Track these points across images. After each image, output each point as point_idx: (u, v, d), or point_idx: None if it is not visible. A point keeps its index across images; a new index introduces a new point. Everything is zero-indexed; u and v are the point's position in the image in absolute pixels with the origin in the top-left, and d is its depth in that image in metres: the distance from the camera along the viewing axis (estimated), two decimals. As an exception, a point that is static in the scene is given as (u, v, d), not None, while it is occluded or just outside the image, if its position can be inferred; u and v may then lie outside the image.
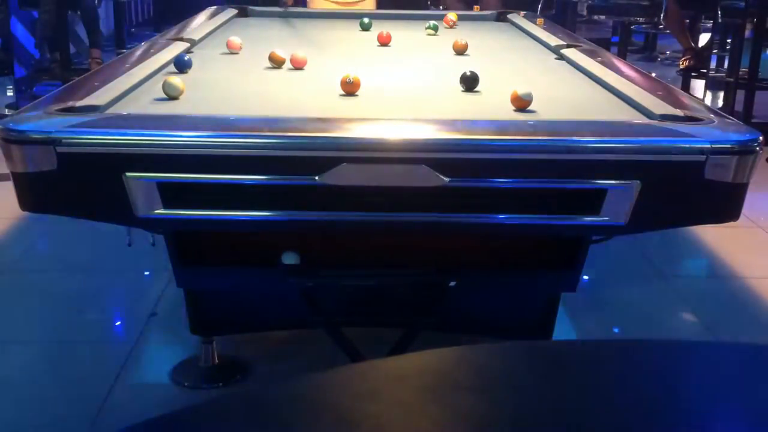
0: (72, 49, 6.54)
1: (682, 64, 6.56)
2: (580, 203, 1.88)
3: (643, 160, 1.84)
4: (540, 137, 1.86)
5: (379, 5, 5.09)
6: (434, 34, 3.54)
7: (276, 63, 2.64)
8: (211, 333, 2.53)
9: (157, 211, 1.83)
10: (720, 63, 7.27)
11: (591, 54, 2.86)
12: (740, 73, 5.74)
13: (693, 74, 6.59)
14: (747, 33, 5.84)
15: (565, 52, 2.96)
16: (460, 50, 3.00)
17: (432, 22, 3.60)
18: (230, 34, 3.48)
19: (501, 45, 3.41)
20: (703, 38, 7.32)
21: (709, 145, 1.81)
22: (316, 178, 1.78)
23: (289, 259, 2.14)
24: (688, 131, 1.87)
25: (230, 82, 2.47)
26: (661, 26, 8.07)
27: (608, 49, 3.83)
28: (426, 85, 2.53)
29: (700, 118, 1.97)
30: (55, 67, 6.09)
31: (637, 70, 2.72)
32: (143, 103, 2.12)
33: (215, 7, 4.07)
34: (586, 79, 2.60)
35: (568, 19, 7.44)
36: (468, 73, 2.35)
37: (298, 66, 2.64)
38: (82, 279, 3.31)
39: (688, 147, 1.83)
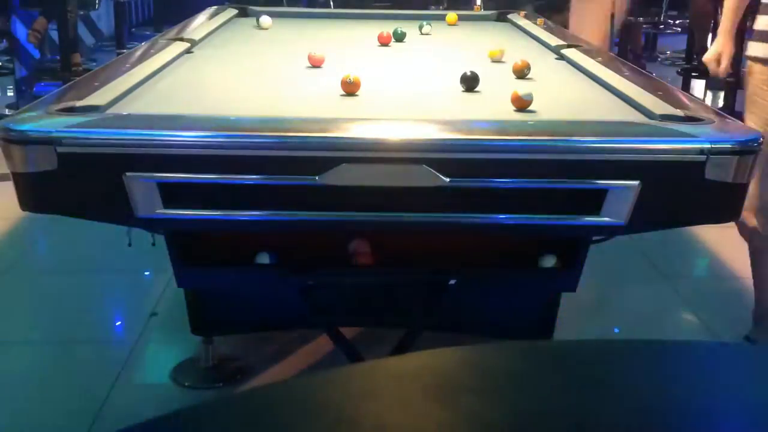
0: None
1: (701, 64, 6.55)
2: (580, 203, 1.88)
3: (643, 160, 1.84)
4: (540, 137, 1.86)
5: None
6: (429, 33, 3.53)
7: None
8: (211, 333, 2.53)
9: (157, 211, 1.82)
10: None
11: (591, 54, 2.86)
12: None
13: (693, 74, 6.60)
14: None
15: (566, 52, 2.96)
16: (519, 73, 2.55)
17: (424, 22, 3.58)
18: (230, 34, 3.49)
19: (501, 45, 3.41)
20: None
21: (710, 145, 1.81)
22: (316, 178, 1.78)
23: (263, 258, 2.15)
24: (688, 131, 1.87)
25: (230, 82, 2.47)
26: (662, 26, 8.08)
27: (608, 49, 3.83)
28: (426, 85, 2.53)
29: (700, 118, 1.97)
30: (80, 65, 6.17)
31: (637, 70, 2.72)
32: (143, 103, 2.12)
33: (215, 7, 4.07)
34: (586, 79, 2.60)
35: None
36: (468, 73, 2.35)
37: (316, 64, 2.64)
38: (82, 279, 3.31)
39: (689, 147, 1.83)
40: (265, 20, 3.60)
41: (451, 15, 3.98)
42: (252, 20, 3.84)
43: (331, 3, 6.81)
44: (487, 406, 0.77)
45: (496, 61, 2.85)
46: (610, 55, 3.04)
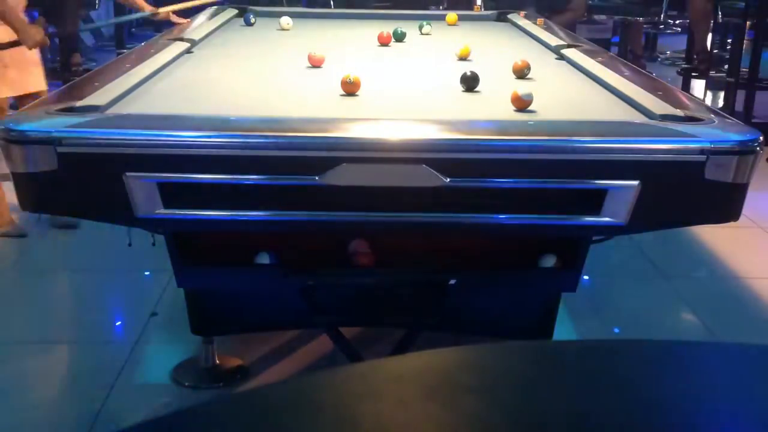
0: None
1: (700, 64, 6.51)
2: (580, 203, 1.88)
3: (643, 160, 1.84)
4: (540, 137, 1.86)
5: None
6: (429, 33, 3.53)
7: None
8: (211, 333, 2.53)
9: (157, 211, 1.83)
10: (720, 63, 7.29)
11: (591, 54, 2.86)
12: (740, 73, 5.75)
13: (693, 74, 6.60)
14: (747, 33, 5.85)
15: (566, 52, 2.96)
16: (519, 73, 2.56)
17: (424, 22, 3.58)
18: (230, 33, 3.49)
19: (501, 45, 3.41)
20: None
21: (710, 145, 1.81)
22: (316, 178, 1.78)
23: (263, 258, 2.15)
24: (688, 131, 1.87)
25: (230, 82, 2.47)
26: (662, 26, 8.09)
27: (608, 49, 3.84)
28: (426, 85, 2.53)
29: (700, 118, 1.97)
30: (80, 65, 6.23)
31: (637, 70, 2.72)
32: (143, 103, 2.12)
33: (215, 7, 4.07)
34: (586, 79, 2.60)
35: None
36: (468, 73, 2.35)
37: (316, 64, 2.64)
38: (82, 279, 3.31)
39: (689, 147, 1.83)
40: (286, 21, 3.59)
41: (451, 15, 3.98)
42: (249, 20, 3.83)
43: (332, 3, 6.81)
44: (487, 406, 0.77)
45: (464, 59, 2.86)
46: (610, 55, 3.04)
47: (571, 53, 2.90)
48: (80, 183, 1.83)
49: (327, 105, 2.19)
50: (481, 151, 1.83)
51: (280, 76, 2.58)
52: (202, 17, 3.75)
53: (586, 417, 0.76)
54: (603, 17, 7.47)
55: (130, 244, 2.33)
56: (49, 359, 2.73)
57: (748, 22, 5.84)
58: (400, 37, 3.29)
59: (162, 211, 1.83)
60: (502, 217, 1.91)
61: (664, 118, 2.01)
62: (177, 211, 1.86)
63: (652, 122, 2.01)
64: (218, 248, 2.22)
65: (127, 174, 1.78)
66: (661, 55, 8.51)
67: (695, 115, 1.99)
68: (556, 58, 2.98)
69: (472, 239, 2.23)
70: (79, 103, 1.99)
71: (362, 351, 2.29)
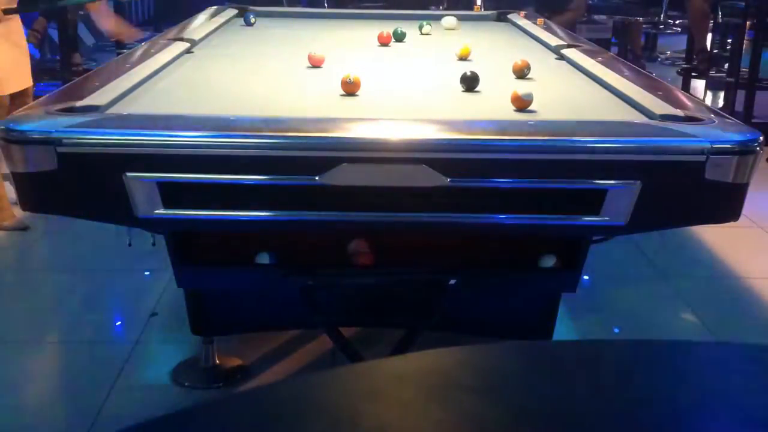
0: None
1: (700, 64, 6.51)
2: (580, 203, 1.88)
3: (643, 160, 1.84)
4: (540, 137, 1.86)
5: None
6: (429, 33, 3.53)
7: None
8: (211, 333, 2.53)
9: (157, 211, 1.83)
10: (720, 63, 7.30)
11: (591, 54, 2.86)
12: (740, 73, 5.75)
13: (693, 74, 6.60)
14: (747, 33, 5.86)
15: (566, 52, 2.96)
16: (519, 73, 2.55)
17: (424, 22, 3.57)
18: (230, 34, 3.49)
19: (501, 45, 3.41)
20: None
21: (710, 145, 1.81)
22: (316, 178, 1.78)
23: (263, 258, 2.15)
24: (688, 131, 1.87)
25: (230, 82, 2.47)
26: (662, 26, 8.09)
27: (608, 49, 3.84)
28: (426, 84, 2.53)
29: (700, 118, 1.97)
30: (80, 65, 6.27)
31: (637, 70, 2.72)
32: (143, 103, 2.12)
33: (215, 7, 4.07)
34: (586, 79, 2.60)
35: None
36: (468, 73, 2.35)
37: (316, 64, 2.64)
38: (82, 279, 3.31)
39: (689, 147, 1.83)
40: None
41: (450, 21, 3.87)
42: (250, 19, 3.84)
43: (326, 3, 6.80)
44: (487, 406, 0.77)
45: (464, 59, 2.86)
46: (610, 55, 3.04)
47: (571, 53, 2.90)
48: (80, 183, 1.83)
49: (327, 105, 2.19)
50: (481, 151, 1.83)
51: (280, 76, 2.58)
52: (201, 17, 3.75)
53: (586, 417, 0.76)
54: (603, 17, 7.47)
55: (130, 244, 2.33)
56: (49, 359, 2.73)
57: (748, 22, 5.86)
58: (400, 37, 3.29)
59: (162, 211, 1.83)
60: (502, 217, 1.91)
61: (664, 118, 2.01)
62: (177, 211, 1.86)
63: (652, 122, 2.01)
64: (218, 248, 2.22)
65: (127, 174, 1.78)
66: (661, 55, 8.51)
67: (695, 115, 1.99)
68: (556, 58, 2.98)
69: (472, 239, 2.22)
70: (79, 103, 1.99)
71: (362, 351, 2.29)
